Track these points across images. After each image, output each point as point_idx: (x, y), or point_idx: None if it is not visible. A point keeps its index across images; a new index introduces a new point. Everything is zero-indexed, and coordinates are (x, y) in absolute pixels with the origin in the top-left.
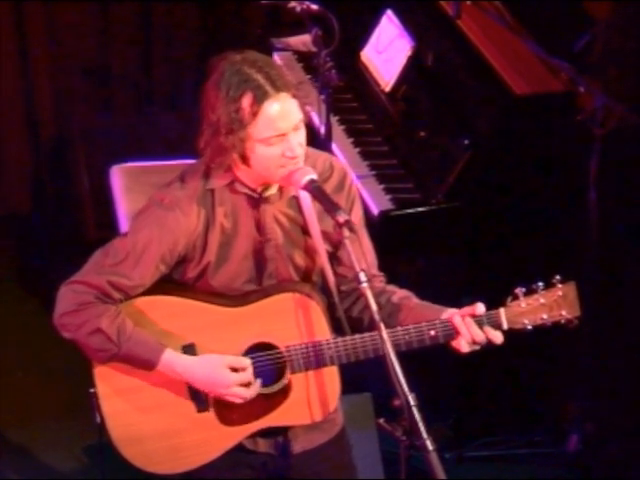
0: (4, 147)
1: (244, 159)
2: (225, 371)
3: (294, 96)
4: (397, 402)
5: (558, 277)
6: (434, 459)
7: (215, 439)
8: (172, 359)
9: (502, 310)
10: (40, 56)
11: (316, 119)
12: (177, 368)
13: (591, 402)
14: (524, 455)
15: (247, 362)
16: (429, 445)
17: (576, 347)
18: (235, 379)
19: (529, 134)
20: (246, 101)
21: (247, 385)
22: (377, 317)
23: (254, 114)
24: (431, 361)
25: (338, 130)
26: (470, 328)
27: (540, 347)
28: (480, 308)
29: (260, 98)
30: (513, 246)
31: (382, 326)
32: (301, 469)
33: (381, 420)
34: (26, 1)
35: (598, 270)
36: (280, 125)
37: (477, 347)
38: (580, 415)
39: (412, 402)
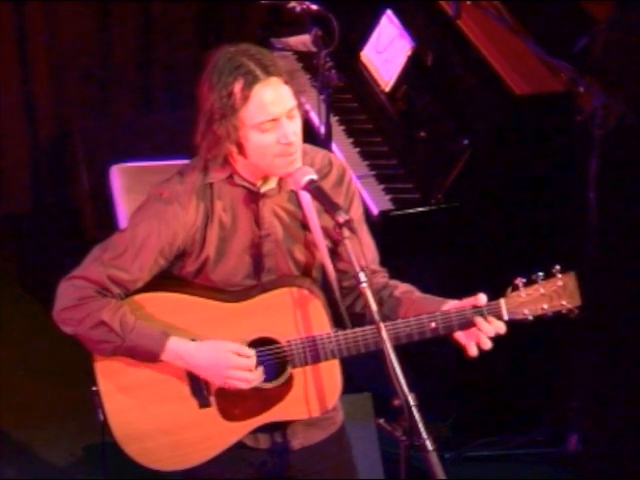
0: (4, 147)
1: (240, 149)
2: (228, 354)
3: (286, 82)
4: (397, 402)
5: (558, 267)
6: (434, 459)
7: (217, 435)
8: (176, 346)
9: (502, 301)
10: (40, 56)
11: (316, 119)
12: (182, 353)
13: (591, 402)
14: (524, 455)
15: (251, 351)
16: (429, 445)
17: (576, 347)
18: (238, 362)
19: (529, 134)
20: (237, 86)
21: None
22: (377, 317)
23: (245, 98)
24: (431, 361)
25: (338, 130)
26: (480, 337)
27: (540, 347)
28: (482, 299)
29: (250, 82)
30: (513, 246)
31: (382, 326)
32: (301, 468)
33: (381, 420)
34: (26, 1)
35: (598, 270)
36: (272, 110)
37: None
38: (580, 415)
39: (412, 402)
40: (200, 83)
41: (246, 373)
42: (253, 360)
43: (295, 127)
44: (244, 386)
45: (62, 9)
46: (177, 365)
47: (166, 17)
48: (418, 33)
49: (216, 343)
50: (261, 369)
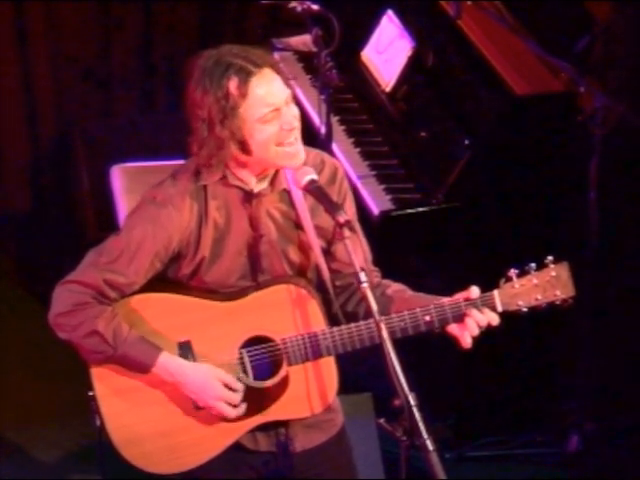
0: (4, 147)
1: (244, 147)
2: (217, 383)
3: (278, 72)
4: (397, 402)
5: (550, 258)
6: (434, 459)
7: (215, 436)
8: (167, 361)
9: (496, 292)
10: (40, 56)
11: (316, 119)
12: (172, 370)
13: (591, 402)
14: (524, 455)
15: (240, 386)
16: (429, 445)
17: (576, 347)
18: (224, 395)
19: (529, 134)
20: (232, 85)
21: (233, 406)
22: (378, 317)
23: (243, 95)
24: (431, 360)
25: (339, 130)
26: (472, 328)
27: (540, 347)
28: (475, 291)
29: (245, 78)
30: (513, 246)
31: (383, 326)
32: (302, 470)
33: (381, 420)
34: (26, 1)
35: (598, 270)
36: (272, 100)
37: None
38: (580, 415)
39: (412, 402)
40: (189, 92)
41: (227, 407)
42: (239, 395)
43: (294, 111)
44: (220, 417)
45: (62, 9)
46: (166, 380)
47: (166, 17)
48: (418, 33)
49: (209, 369)
50: (244, 405)
